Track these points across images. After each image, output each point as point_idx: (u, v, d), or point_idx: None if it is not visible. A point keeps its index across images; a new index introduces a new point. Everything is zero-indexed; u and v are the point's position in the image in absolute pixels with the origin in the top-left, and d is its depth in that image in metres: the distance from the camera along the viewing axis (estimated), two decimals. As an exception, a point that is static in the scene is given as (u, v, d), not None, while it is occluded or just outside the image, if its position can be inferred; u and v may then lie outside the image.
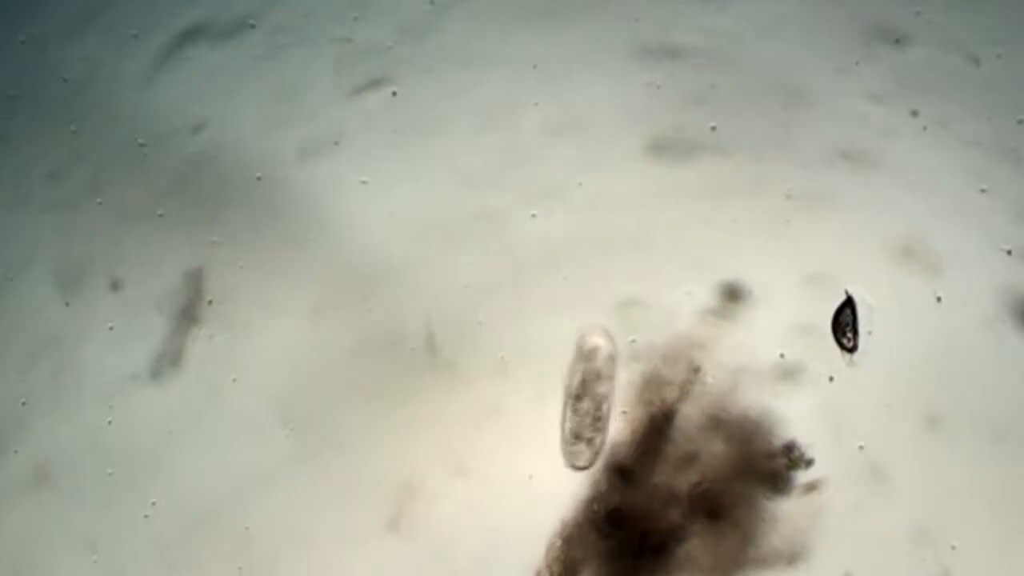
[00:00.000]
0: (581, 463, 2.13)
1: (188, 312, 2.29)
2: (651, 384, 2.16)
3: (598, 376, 2.14)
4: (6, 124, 2.42)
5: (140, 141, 2.36)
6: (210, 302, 2.28)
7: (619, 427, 2.14)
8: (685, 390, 2.14)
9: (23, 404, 2.29)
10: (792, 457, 2.09)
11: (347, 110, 2.32)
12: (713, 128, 2.22)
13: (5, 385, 2.31)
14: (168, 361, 2.26)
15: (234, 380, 2.23)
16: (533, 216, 2.24)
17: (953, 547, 2.04)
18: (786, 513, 2.08)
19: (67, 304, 2.31)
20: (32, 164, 2.38)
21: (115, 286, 2.33)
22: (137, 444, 2.24)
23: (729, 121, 2.24)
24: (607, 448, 2.13)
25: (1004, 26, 2.26)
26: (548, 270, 2.21)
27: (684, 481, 2.12)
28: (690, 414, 2.13)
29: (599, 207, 2.23)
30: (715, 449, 2.12)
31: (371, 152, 2.30)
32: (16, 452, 2.26)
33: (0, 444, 2.28)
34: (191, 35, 2.38)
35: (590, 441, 2.13)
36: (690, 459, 2.12)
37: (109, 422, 2.26)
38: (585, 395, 2.14)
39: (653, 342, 2.16)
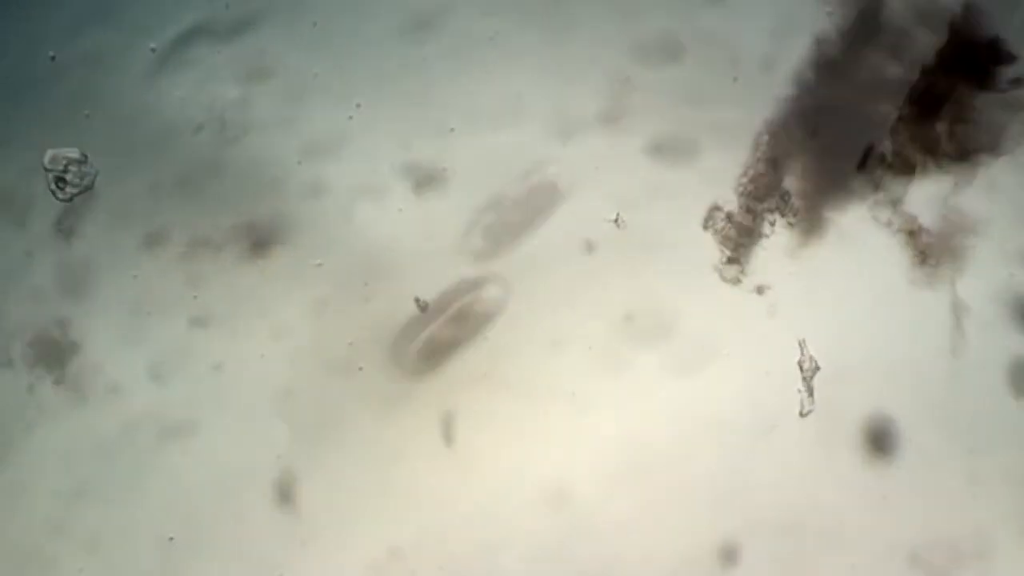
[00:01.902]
0: None
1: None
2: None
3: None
4: (8, 126, 2.40)
5: (141, 141, 2.36)
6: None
7: (825, 23, 2.09)
8: None
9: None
10: (996, 52, 2.08)
11: (348, 110, 2.32)
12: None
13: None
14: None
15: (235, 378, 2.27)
16: (535, 214, 2.24)
17: None
18: (991, 106, 2.08)
19: None
20: (35, 165, 2.36)
21: (117, 286, 2.33)
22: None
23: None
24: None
25: None
26: (559, 265, 2.23)
27: (891, 74, 2.09)
28: (897, 6, 2.09)
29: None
30: (922, 42, 2.09)
31: (372, 152, 2.31)
32: None
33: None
34: (193, 35, 2.38)
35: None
36: (897, 52, 2.09)
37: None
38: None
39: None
